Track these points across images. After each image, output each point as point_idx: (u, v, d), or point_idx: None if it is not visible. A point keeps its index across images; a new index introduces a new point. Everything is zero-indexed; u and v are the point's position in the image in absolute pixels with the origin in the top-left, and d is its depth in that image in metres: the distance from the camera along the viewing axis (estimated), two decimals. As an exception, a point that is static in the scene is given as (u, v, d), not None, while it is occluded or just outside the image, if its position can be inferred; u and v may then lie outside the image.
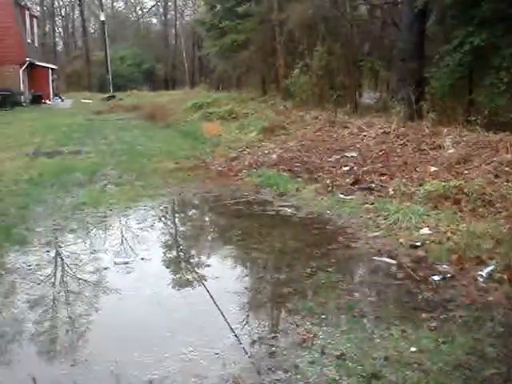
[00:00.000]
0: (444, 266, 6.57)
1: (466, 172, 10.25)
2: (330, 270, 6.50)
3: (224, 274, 6.46)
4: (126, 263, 6.72)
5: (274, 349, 4.82)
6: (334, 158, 12.63)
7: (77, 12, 57.56)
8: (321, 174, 11.27)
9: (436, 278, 6.30)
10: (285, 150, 13.82)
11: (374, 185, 10.10)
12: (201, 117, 20.41)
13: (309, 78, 18.97)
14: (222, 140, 15.88)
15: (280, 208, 9.11)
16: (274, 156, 13.28)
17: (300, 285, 6.09)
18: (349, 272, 6.52)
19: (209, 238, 7.95)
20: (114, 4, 61.34)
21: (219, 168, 12.33)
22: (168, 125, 20.51)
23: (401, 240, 7.43)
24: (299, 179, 10.87)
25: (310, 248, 7.26)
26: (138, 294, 5.89)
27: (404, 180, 10.21)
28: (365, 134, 14.17)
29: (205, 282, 6.19)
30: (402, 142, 12.92)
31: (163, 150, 14.97)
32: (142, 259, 6.85)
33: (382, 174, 10.70)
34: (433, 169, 10.68)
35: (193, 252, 7.17)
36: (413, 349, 4.79)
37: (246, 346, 4.87)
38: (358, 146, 13.31)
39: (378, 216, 8.40)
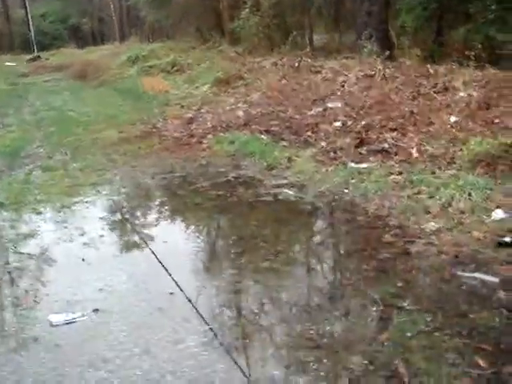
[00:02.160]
0: None
1: (498, 121, 7.58)
2: (405, 304, 3.78)
3: (244, 334, 3.64)
4: (70, 323, 3.82)
5: None
6: (316, 111, 9.81)
7: (-9, -32, 51.67)
8: (309, 133, 8.46)
9: None
10: (250, 105, 10.92)
11: (387, 145, 7.31)
12: (139, 71, 17.11)
13: (259, 19, 15.84)
14: (170, 97, 12.79)
15: (277, 190, 6.27)
16: (240, 113, 10.38)
17: (374, 347, 3.32)
18: (436, 307, 3.79)
19: (193, 259, 4.96)
20: (30, -42, 55.35)
21: (176, 134, 9.33)
22: (102, 83, 17.16)
23: (475, 234, 4.72)
24: (284, 143, 8.02)
25: (352, 260, 4.49)
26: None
27: (422, 136, 7.49)
28: (343, 78, 11.35)
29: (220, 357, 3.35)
30: (393, 85, 10.15)
31: (101, 114, 11.81)
32: (96, 311, 3.95)
33: (391, 130, 7.91)
34: (453, 118, 7.96)
35: (175, 291, 4.23)
36: None
37: None
38: (339, 93, 10.53)
39: (417, 193, 5.69)
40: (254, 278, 4.38)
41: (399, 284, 4.11)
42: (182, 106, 11.83)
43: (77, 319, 3.90)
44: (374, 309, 3.81)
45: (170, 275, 4.49)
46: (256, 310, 3.93)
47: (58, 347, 3.62)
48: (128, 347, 3.56)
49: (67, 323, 3.87)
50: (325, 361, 3.34)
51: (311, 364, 3.32)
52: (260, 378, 3.22)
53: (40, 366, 3.45)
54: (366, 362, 3.30)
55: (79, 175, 7.36)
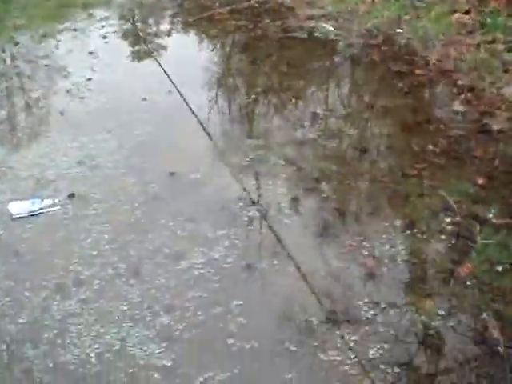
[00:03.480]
0: None
1: None
2: (490, 215, 2.75)
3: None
4: (36, 214, 2.73)
5: None
6: None
7: None
8: None
9: None
10: None
11: None
12: None
13: None
14: None
15: (312, 22, 4.89)
16: None
17: (452, 288, 2.27)
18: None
19: (206, 121, 3.75)
20: None
21: None
22: None
23: None
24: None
25: (414, 135, 3.32)
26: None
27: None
28: None
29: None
30: None
31: None
32: (71, 197, 2.84)
33: (453, -50, 6.21)
34: None
35: (178, 170, 3.10)
36: None
37: None
38: None
39: (492, 42, 4.40)
40: (284, 153, 3.21)
41: (480, 181, 2.97)
42: None
43: (45, 210, 2.80)
44: (449, 220, 2.69)
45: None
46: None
47: (18, 256, 2.58)
48: (111, 261, 2.51)
49: (32, 215, 2.78)
50: (391, 313, 2.26)
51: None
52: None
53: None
54: (442, 312, 2.22)
55: (71, -9, 5.89)
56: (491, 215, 2.75)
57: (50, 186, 3.03)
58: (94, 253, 2.59)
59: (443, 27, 4.65)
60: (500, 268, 2.45)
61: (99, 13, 5.36)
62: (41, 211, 2.83)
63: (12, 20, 5.17)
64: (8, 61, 4.43)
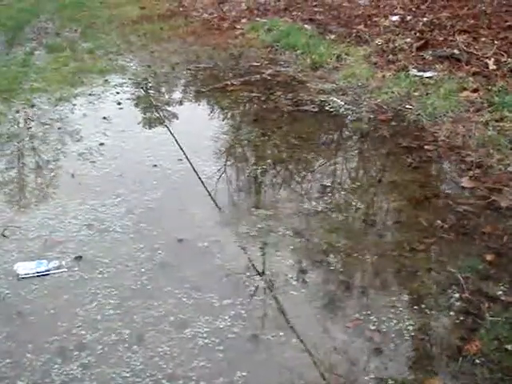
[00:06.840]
0: None
1: None
2: (500, 293, 2.76)
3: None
4: (42, 275, 2.74)
5: None
6: (368, 0, 8.29)
7: None
8: (361, 26, 7.05)
9: None
10: (292, -13, 9.31)
11: (456, 51, 5.93)
12: None
13: None
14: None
15: (323, 96, 5.01)
16: (281, -5, 8.86)
17: (458, 367, 2.21)
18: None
19: (215, 190, 3.80)
20: None
21: (205, 16, 7.95)
22: None
23: None
24: (332, 36, 6.61)
25: (422, 211, 3.34)
26: None
27: (497, 42, 6.09)
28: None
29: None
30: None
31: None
32: (78, 259, 2.85)
33: (461, 32, 6.47)
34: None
35: (187, 236, 3.12)
36: None
37: None
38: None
39: (500, 120, 4.45)
40: (293, 224, 3.23)
41: (488, 257, 2.96)
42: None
43: (52, 271, 2.81)
44: (457, 296, 2.67)
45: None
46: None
47: (20, 317, 2.57)
48: (115, 327, 2.49)
49: (38, 276, 2.79)
50: None
51: None
52: None
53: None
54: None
55: (87, 59, 6.10)
56: (500, 292, 2.73)
57: (57, 247, 3.04)
58: (99, 317, 2.58)
59: (452, 104, 4.75)
60: (509, 347, 2.42)
61: (115, 79, 5.53)
62: (47, 272, 2.83)
63: (30, 83, 5.32)
64: (22, 122, 4.53)
